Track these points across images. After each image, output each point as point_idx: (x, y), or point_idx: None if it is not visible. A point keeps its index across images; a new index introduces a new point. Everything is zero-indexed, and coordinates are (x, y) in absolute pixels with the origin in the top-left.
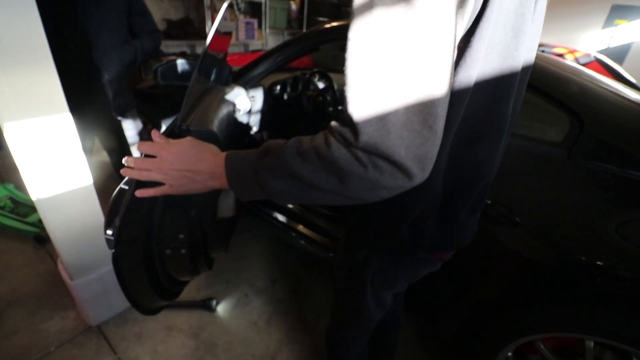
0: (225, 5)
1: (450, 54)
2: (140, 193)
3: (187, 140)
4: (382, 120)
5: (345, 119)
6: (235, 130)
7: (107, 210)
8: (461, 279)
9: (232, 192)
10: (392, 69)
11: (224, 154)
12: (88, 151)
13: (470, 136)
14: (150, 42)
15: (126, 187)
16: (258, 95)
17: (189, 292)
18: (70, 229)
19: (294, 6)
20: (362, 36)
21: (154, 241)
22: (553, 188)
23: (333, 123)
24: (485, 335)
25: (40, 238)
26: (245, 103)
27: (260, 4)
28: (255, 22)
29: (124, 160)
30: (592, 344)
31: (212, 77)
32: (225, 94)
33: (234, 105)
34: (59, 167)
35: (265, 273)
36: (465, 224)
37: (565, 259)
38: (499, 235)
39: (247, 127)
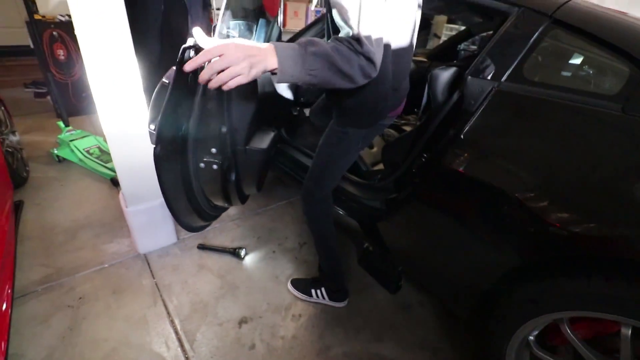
0: None
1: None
2: (226, 86)
3: (235, 40)
4: (373, 41)
5: (354, 36)
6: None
7: (150, 105)
8: (490, 244)
9: (265, 134)
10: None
11: (270, 46)
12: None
13: (399, 51)
14: None
15: (167, 82)
16: None
17: (223, 241)
18: (130, 163)
19: None
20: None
21: (190, 148)
22: (604, 145)
23: (348, 37)
24: (502, 311)
25: (115, 181)
26: None
27: None
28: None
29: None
30: (629, 331)
31: (262, 37)
32: None
33: None
34: (125, 109)
35: (295, 236)
36: (405, 87)
37: (611, 226)
38: (531, 194)
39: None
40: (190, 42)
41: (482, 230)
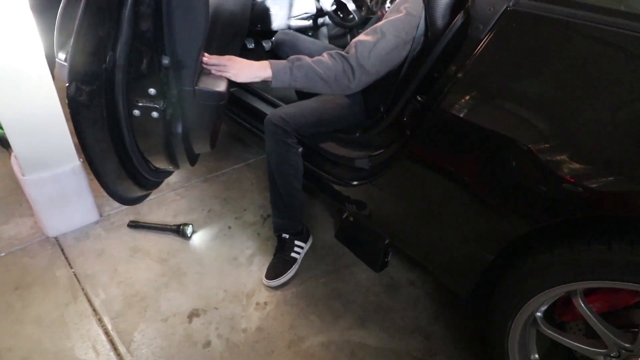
0: None
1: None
2: (216, 69)
3: (237, 58)
4: (366, 71)
5: (351, 56)
6: (235, 3)
7: (58, 21)
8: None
9: (214, 80)
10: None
11: (266, 61)
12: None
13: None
14: None
15: None
16: None
17: (163, 217)
18: (23, 113)
19: None
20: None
21: (118, 88)
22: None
23: (343, 53)
24: (508, 285)
25: (5, 141)
26: None
27: None
28: None
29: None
30: None
31: None
32: None
33: None
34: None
35: (256, 207)
36: None
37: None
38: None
39: (249, 9)
40: None
41: (486, 191)
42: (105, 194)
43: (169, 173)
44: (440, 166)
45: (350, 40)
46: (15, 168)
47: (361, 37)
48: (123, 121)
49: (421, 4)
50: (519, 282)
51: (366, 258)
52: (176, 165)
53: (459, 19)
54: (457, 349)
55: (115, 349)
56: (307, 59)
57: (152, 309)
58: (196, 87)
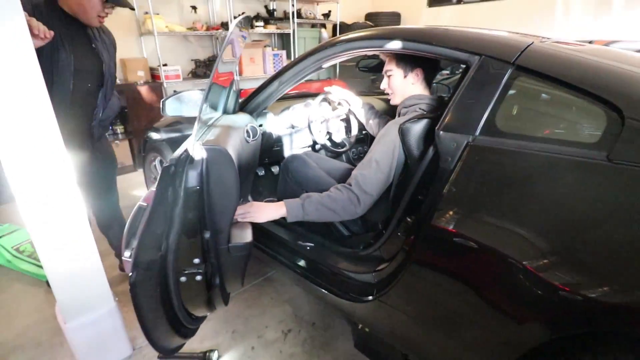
0: (228, 36)
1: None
2: (242, 217)
3: (257, 203)
4: (368, 195)
5: (354, 187)
6: (248, 154)
7: (125, 231)
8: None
9: (245, 224)
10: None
11: (281, 202)
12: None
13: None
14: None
15: (145, 204)
16: (267, 121)
17: (191, 343)
18: (65, 268)
19: (325, 34)
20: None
21: (169, 266)
22: (592, 197)
23: (347, 185)
24: None
25: None
26: (254, 130)
27: (288, 35)
28: (283, 53)
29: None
30: None
31: (221, 107)
32: (234, 122)
33: (244, 131)
34: (56, 206)
35: (277, 322)
36: None
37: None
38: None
39: (258, 151)
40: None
41: (489, 300)
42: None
43: (205, 317)
44: (442, 278)
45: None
46: (59, 316)
47: (360, 169)
48: (173, 290)
49: (397, 137)
50: None
51: None
52: (213, 309)
53: (430, 152)
54: None
55: None
56: (316, 194)
57: None
58: (230, 245)
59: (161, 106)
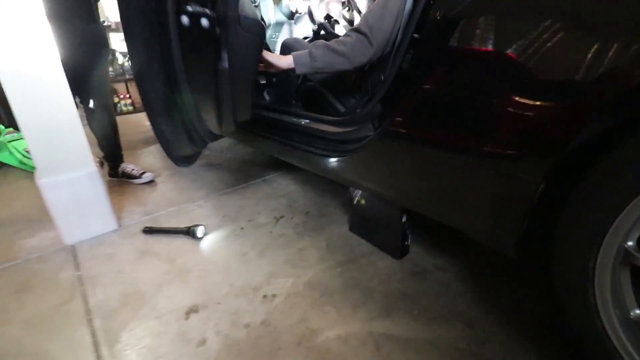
0: None
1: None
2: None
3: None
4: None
5: (362, 25)
6: None
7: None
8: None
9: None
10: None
11: (290, 54)
12: None
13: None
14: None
15: None
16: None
17: (180, 224)
18: (39, 120)
19: None
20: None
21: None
22: None
23: (354, 29)
24: (575, 212)
25: None
26: None
27: None
28: None
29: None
30: None
31: None
32: None
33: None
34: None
35: (270, 210)
36: None
37: None
38: None
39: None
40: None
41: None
42: (130, 204)
43: (216, 138)
44: (460, 106)
45: None
46: (36, 174)
47: (367, 13)
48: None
49: None
50: (592, 199)
51: (384, 245)
52: (220, 121)
53: None
54: (509, 335)
55: (96, 350)
56: (322, 41)
57: (148, 307)
58: (240, 13)
59: None
